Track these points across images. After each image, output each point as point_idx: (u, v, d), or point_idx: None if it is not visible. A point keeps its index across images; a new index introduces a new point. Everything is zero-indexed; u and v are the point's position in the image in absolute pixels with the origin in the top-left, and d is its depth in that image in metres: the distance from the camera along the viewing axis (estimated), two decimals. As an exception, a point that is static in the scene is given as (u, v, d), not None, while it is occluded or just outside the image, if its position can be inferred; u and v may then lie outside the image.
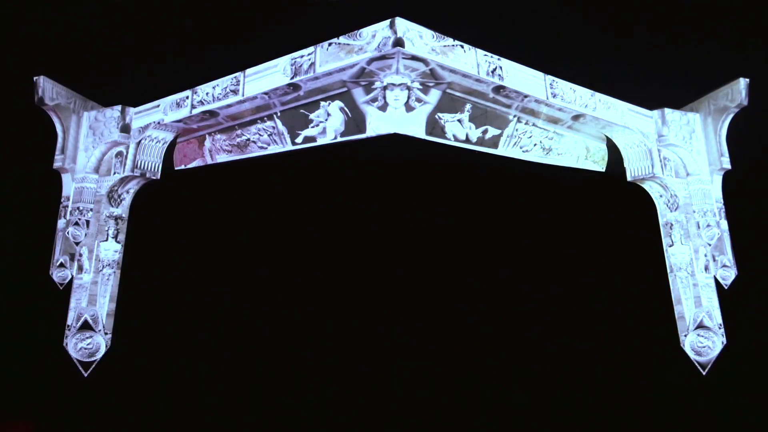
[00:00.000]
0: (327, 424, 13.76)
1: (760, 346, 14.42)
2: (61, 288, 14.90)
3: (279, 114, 15.17)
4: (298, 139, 15.17)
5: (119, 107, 15.88)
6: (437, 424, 13.80)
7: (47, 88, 15.19)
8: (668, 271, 15.47)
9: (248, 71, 14.87)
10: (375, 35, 14.03)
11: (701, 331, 14.85)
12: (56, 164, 15.52)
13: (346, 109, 14.91)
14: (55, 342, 14.50)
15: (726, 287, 15.12)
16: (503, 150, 15.59)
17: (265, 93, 14.79)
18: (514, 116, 15.23)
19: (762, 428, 13.59)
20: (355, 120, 14.75)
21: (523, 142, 15.63)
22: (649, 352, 14.58)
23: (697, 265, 15.37)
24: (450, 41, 14.43)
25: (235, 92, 14.97)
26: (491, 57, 14.70)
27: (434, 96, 14.90)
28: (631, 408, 14.03)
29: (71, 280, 14.94)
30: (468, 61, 14.51)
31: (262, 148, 15.23)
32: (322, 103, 14.98)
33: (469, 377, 14.22)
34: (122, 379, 14.31)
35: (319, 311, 14.72)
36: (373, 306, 14.56)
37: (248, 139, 15.47)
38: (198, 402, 14.06)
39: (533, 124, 15.37)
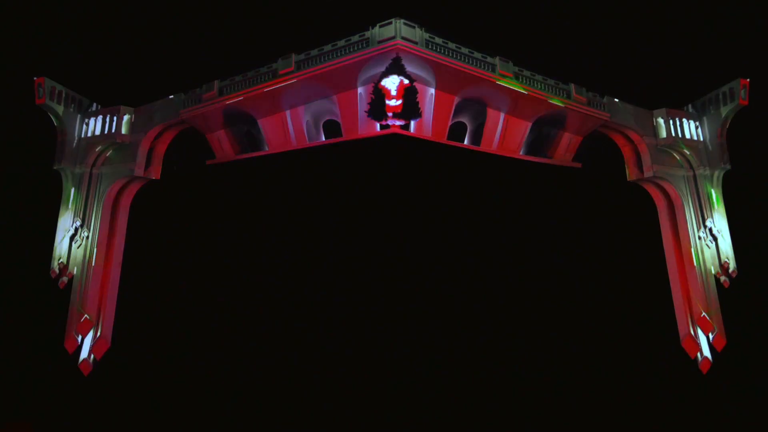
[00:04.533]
0: (327, 423, 13.72)
1: (760, 345, 14.40)
2: (61, 288, 14.90)
3: None
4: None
5: (118, 107, 15.93)
6: (437, 419, 13.76)
7: (48, 89, 15.24)
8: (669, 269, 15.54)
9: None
10: None
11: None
12: (56, 164, 15.58)
13: None
14: (55, 342, 14.51)
15: (726, 286, 15.10)
16: None
17: None
18: None
19: (762, 428, 13.55)
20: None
21: None
22: (649, 351, 14.56)
23: (698, 264, 15.39)
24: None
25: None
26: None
27: None
28: (630, 405, 14.04)
29: (71, 280, 14.95)
30: None
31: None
32: None
33: (468, 374, 14.21)
34: (122, 379, 14.30)
35: (320, 310, 14.72)
36: (373, 305, 14.54)
37: None
38: (197, 401, 14.06)
39: None
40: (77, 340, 14.60)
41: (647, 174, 15.92)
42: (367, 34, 14.58)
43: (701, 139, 16.22)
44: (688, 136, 16.11)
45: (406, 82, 14.53)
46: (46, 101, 15.08)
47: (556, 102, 15.38)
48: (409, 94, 14.65)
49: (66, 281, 14.97)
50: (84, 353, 14.57)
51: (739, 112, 15.52)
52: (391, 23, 14.44)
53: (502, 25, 16.09)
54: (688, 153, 16.00)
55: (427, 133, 15.00)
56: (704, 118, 16.31)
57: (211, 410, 14.07)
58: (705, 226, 15.50)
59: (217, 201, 15.77)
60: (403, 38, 14.32)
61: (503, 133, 15.75)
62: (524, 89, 15.13)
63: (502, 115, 15.67)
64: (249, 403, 14.12)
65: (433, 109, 15.14)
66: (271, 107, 15.57)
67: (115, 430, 13.90)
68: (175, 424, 13.91)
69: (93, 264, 15.22)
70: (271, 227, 15.49)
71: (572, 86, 15.60)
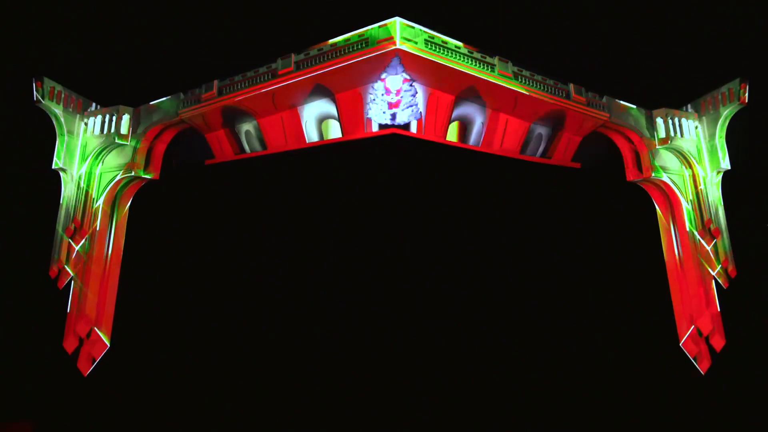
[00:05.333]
0: (327, 423, 13.71)
1: (759, 344, 14.41)
2: (60, 288, 14.91)
3: None
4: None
5: (118, 107, 15.95)
6: (435, 419, 13.76)
7: (47, 89, 15.24)
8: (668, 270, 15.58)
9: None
10: None
11: None
12: (55, 164, 15.58)
13: None
14: (54, 342, 14.51)
15: (725, 287, 15.12)
16: None
17: None
18: None
19: (762, 428, 13.56)
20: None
21: None
22: (648, 352, 14.55)
23: (697, 264, 15.42)
24: None
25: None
26: None
27: None
28: (629, 405, 13.98)
29: (70, 280, 14.96)
30: None
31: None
32: None
33: (465, 374, 14.17)
34: (121, 379, 14.31)
35: (319, 310, 14.68)
36: (373, 305, 14.51)
37: None
38: (196, 401, 14.04)
39: None
40: (76, 340, 14.64)
41: (646, 174, 15.95)
42: (366, 33, 14.63)
43: (700, 139, 16.24)
44: (687, 136, 16.12)
45: (406, 81, 14.60)
46: (45, 101, 15.10)
47: (555, 102, 15.40)
48: (408, 93, 14.72)
49: (65, 281, 15.00)
50: (83, 353, 14.61)
51: (739, 112, 15.54)
52: (390, 23, 14.47)
53: (502, 25, 16.10)
54: (687, 153, 16.02)
55: (427, 133, 15.03)
56: (703, 118, 16.32)
57: (211, 410, 14.06)
58: (704, 226, 15.53)
59: (217, 201, 15.75)
60: (403, 38, 14.37)
61: (502, 133, 15.77)
62: (523, 89, 15.16)
63: (501, 115, 15.69)
64: (249, 402, 14.13)
65: (433, 109, 15.18)
66: (270, 107, 15.59)
67: (115, 430, 13.90)
68: (174, 424, 13.91)
69: (92, 264, 15.24)
70: (270, 227, 15.46)
71: (571, 86, 15.62)
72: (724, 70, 15.70)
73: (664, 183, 15.95)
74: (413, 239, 14.84)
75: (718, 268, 15.20)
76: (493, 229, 15.32)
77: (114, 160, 15.84)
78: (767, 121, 15.77)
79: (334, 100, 15.29)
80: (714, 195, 15.69)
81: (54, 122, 15.45)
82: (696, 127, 16.24)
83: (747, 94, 15.25)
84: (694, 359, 14.68)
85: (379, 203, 14.85)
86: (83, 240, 15.23)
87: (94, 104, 16.12)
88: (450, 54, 14.65)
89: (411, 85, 14.57)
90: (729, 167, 15.65)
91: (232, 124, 16.09)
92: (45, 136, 15.45)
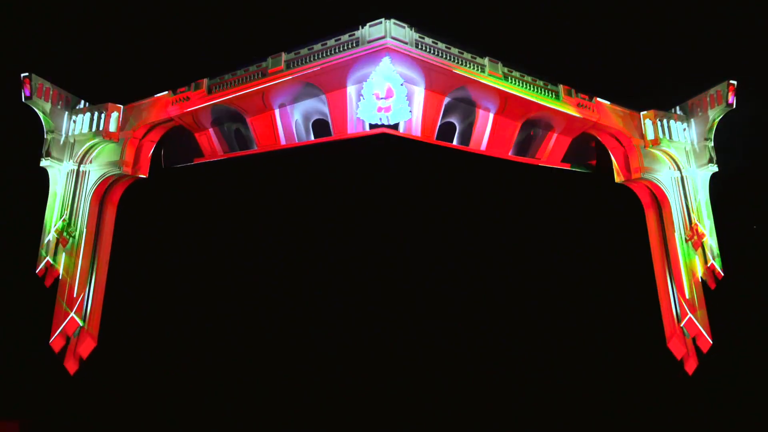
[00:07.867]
0: (325, 424, 13.71)
1: (745, 346, 14.50)
2: (47, 286, 14.82)
3: None
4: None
5: (107, 105, 15.86)
6: (432, 418, 13.78)
7: (35, 85, 15.14)
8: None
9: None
10: None
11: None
12: (43, 161, 15.49)
13: None
14: (41, 341, 14.42)
15: (712, 288, 15.21)
16: None
17: None
18: None
19: (747, 428, 13.67)
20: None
21: None
22: (635, 352, 14.62)
23: (684, 265, 15.51)
24: None
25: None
26: None
27: None
28: (615, 406, 14.04)
29: (58, 278, 14.86)
30: None
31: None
32: None
33: (455, 375, 14.21)
34: (108, 378, 14.24)
35: (309, 308, 14.67)
36: (362, 302, 14.51)
37: None
38: (184, 400, 13.99)
39: None
40: (63, 339, 14.55)
41: (635, 175, 16.03)
42: (357, 33, 14.64)
43: (689, 140, 16.34)
44: (675, 137, 16.21)
45: (396, 81, 14.61)
46: (33, 98, 14.99)
47: (545, 103, 15.45)
48: (398, 93, 14.72)
49: (52, 279, 14.90)
50: (70, 352, 14.51)
51: (727, 114, 15.64)
52: (380, 23, 14.47)
53: (492, 26, 16.14)
54: (675, 154, 16.11)
55: (417, 133, 15.03)
56: (692, 120, 16.42)
57: (201, 410, 14.03)
58: (692, 228, 15.62)
59: (206, 199, 15.71)
60: (393, 38, 14.38)
61: (492, 134, 15.82)
62: (513, 90, 15.19)
63: (491, 116, 15.74)
64: (238, 401, 14.11)
65: (423, 109, 15.19)
66: (260, 106, 15.56)
67: (102, 430, 13.84)
68: (163, 424, 13.87)
69: (80, 262, 15.16)
70: (260, 226, 15.45)
71: (561, 88, 15.68)
72: (712, 73, 15.81)
73: (653, 184, 16.04)
74: (403, 239, 14.87)
75: (705, 269, 15.29)
76: (482, 230, 15.38)
77: (102, 158, 15.75)
78: (755, 123, 15.88)
79: (324, 100, 15.30)
80: (702, 196, 15.78)
81: (42, 119, 15.35)
82: (684, 129, 16.34)
83: (734, 97, 15.35)
84: (681, 360, 14.75)
85: (368, 203, 14.87)
86: (71, 238, 15.13)
87: (82, 101, 16.02)
88: (440, 54, 14.70)
89: (401, 85, 14.60)
90: (717, 169, 15.75)
91: (222, 123, 16.05)
92: (33, 134, 15.35)
